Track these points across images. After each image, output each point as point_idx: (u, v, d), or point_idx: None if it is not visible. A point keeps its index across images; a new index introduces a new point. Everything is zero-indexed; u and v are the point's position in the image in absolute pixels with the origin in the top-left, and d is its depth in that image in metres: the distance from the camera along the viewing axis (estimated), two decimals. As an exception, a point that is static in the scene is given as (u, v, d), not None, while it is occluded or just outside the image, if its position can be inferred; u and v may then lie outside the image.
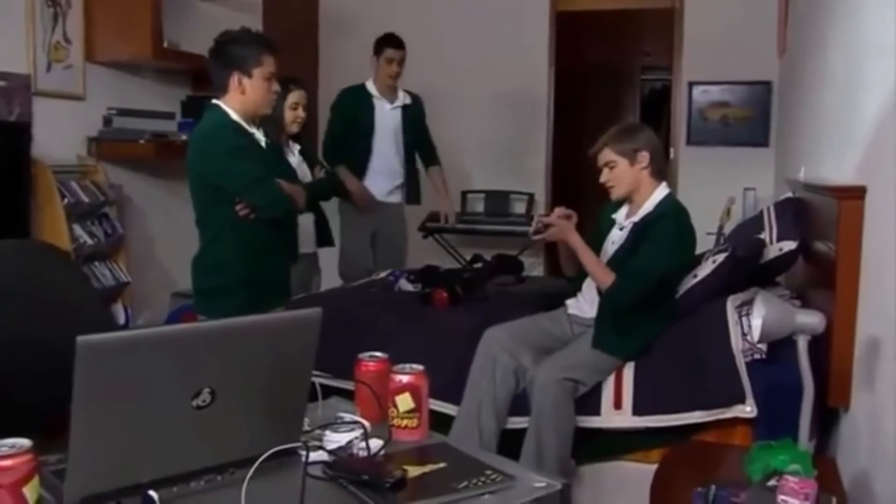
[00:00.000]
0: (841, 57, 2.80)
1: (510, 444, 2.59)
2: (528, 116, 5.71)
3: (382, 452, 1.40)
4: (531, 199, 5.52)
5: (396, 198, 4.35)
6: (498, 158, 5.70)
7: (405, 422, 1.50)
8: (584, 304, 2.83)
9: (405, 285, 3.69)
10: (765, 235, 3.03)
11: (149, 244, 4.47)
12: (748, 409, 2.51)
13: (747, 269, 2.92)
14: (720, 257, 2.89)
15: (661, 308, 2.74)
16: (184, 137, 4.11)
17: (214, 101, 2.72)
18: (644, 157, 2.69)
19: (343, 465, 1.31)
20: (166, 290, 4.45)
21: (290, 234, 2.97)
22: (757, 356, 2.60)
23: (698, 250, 2.90)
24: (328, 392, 1.68)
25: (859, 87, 2.43)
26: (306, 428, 1.43)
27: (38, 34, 3.74)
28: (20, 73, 3.64)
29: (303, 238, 3.56)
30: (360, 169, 4.18)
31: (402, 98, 4.28)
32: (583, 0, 6.05)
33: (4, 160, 3.36)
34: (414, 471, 1.31)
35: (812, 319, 2.05)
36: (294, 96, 3.51)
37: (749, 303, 2.65)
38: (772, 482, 1.69)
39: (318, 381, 1.51)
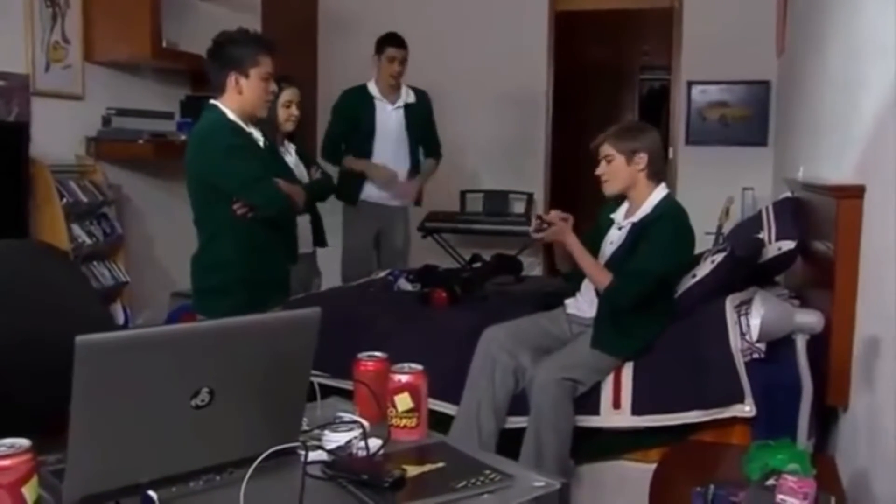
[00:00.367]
0: (840, 56, 2.80)
1: (509, 443, 2.59)
2: (527, 116, 5.71)
3: (381, 452, 1.40)
4: (530, 198, 5.52)
5: (399, 199, 4.32)
6: (497, 158, 5.70)
7: (404, 421, 1.50)
8: (583, 304, 2.83)
9: (404, 285, 3.69)
10: (763, 235, 3.03)
11: (148, 244, 4.47)
12: (747, 409, 2.52)
13: (746, 269, 2.92)
14: (719, 257, 2.89)
15: (660, 308, 2.74)
16: (183, 137, 4.11)
17: (212, 101, 2.73)
18: (641, 158, 2.69)
19: (342, 465, 1.31)
20: (165, 289, 4.44)
21: (289, 235, 2.97)
22: (756, 356, 2.60)
23: (697, 250, 2.90)
24: (327, 392, 1.68)
25: (858, 87, 2.44)
26: (305, 427, 1.43)
27: (37, 34, 3.74)
28: (19, 72, 3.64)
29: (301, 237, 3.57)
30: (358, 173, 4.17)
31: (406, 97, 4.25)
32: (582, 0, 6.05)
33: (3, 160, 3.36)
34: (413, 470, 1.31)
35: (811, 319, 2.05)
36: (287, 94, 3.50)
37: (748, 302, 2.65)
38: (770, 481, 1.69)
39: (316, 380, 1.51)
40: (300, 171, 3.55)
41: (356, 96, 4.21)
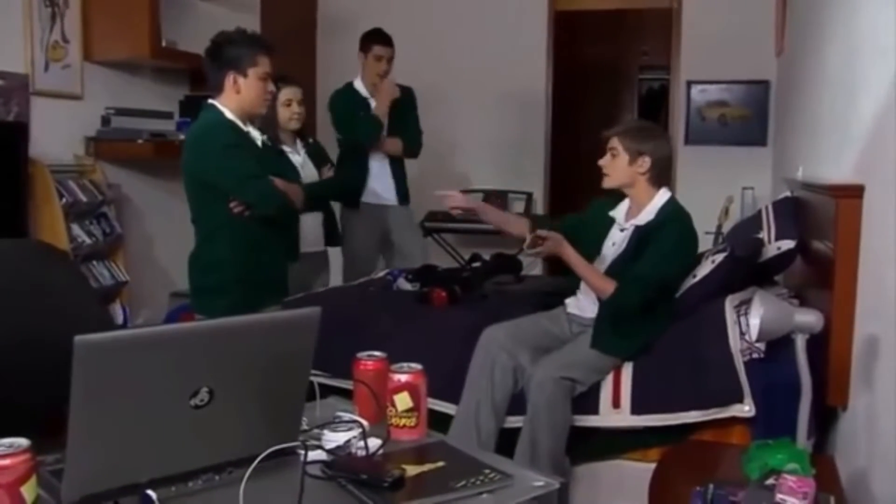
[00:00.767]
0: (839, 56, 2.80)
1: (508, 443, 2.59)
2: (527, 116, 5.71)
3: (381, 452, 1.40)
4: (529, 198, 5.51)
5: (395, 199, 4.23)
6: (496, 158, 5.69)
7: (403, 421, 1.50)
8: (585, 304, 2.83)
9: (403, 284, 3.69)
10: (763, 235, 3.03)
11: (147, 244, 4.47)
12: (746, 409, 2.51)
13: (746, 269, 2.92)
14: (719, 257, 2.89)
15: (660, 309, 2.74)
16: (182, 137, 4.10)
17: (210, 100, 2.74)
18: (644, 162, 2.69)
19: (341, 465, 1.31)
20: (165, 289, 4.44)
21: (288, 233, 2.98)
22: (755, 355, 2.60)
23: (697, 250, 2.90)
24: (326, 391, 1.68)
25: (857, 86, 2.44)
26: (305, 427, 1.43)
27: (36, 34, 3.74)
28: (18, 72, 3.64)
29: (310, 236, 3.59)
30: (362, 169, 4.11)
31: (394, 93, 4.14)
32: (581, 0, 6.05)
33: (2, 160, 3.35)
34: (412, 470, 1.31)
35: (810, 318, 2.05)
36: (285, 93, 3.51)
37: (747, 302, 2.65)
38: (770, 481, 1.68)
39: (316, 380, 1.51)
40: (308, 170, 3.57)
41: (346, 97, 4.12)
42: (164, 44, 4.15)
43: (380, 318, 3.12)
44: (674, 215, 2.70)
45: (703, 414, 2.56)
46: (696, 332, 2.73)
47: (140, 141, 4.07)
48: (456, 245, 5.46)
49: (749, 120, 5.27)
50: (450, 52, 5.54)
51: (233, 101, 2.69)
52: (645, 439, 2.64)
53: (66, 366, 1.07)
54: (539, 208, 5.55)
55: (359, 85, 4.15)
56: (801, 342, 2.05)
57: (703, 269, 2.89)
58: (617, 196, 2.83)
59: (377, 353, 1.64)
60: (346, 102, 4.10)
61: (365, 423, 1.45)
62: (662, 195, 2.75)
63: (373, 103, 4.07)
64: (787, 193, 3.34)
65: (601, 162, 2.76)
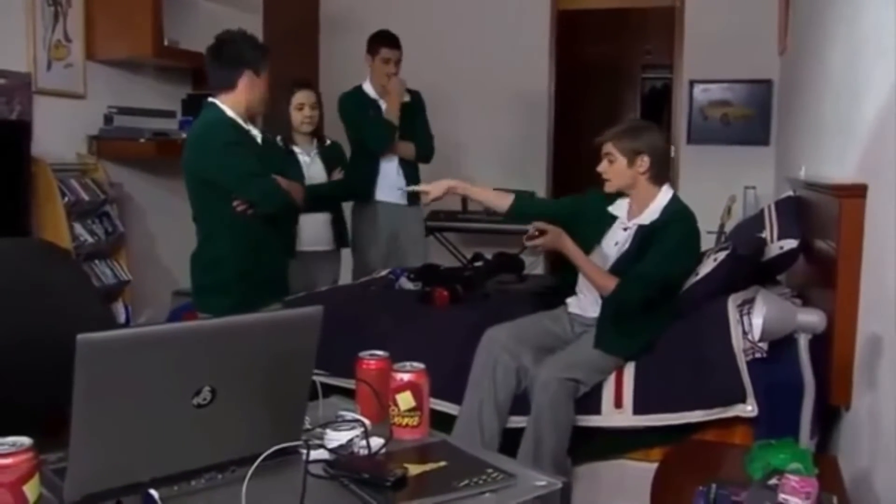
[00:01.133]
0: (842, 55, 2.80)
1: (511, 443, 2.59)
2: (529, 115, 5.70)
3: (383, 451, 1.39)
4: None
5: (405, 199, 4.19)
6: (498, 157, 5.69)
7: (406, 420, 1.50)
8: (586, 304, 2.83)
9: (405, 284, 3.68)
10: (766, 234, 3.03)
11: (149, 242, 4.47)
12: (749, 408, 2.51)
13: (748, 268, 2.92)
14: (721, 256, 2.89)
15: (663, 309, 2.74)
16: (184, 136, 4.11)
17: (211, 99, 2.75)
18: (644, 161, 2.69)
19: (344, 464, 1.31)
20: (167, 288, 4.45)
21: (287, 231, 3.02)
22: (758, 355, 2.60)
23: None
24: (329, 390, 1.68)
25: (860, 86, 2.43)
26: (307, 426, 1.43)
27: (39, 32, 3.74)
28: (21, 71, 3.64)
29: (316, 235, 3.63)
30: (370, 171, 4.09)
31: (403, 96, 4.16)
32: (584, -1, 6.05)
33: (5, 158, 3.36)
34: (415, 469, 1.31)
35: (813, 318, 2.05)
36: (298, 97, 3.61)
37: (750, 301, 2.65)
38: (773, 481, 1.68)
39: (318, 379, 1.51)
40: (315, 170, 3.62)
41: (357, 99, 4.10)
42: (166, 43, 4.16)
43: (382, 317, 3.12)
44: (678, 215, 2.70)
45: (706, 414, 2.55)
46: (699, 332, 2.73)
47: (142, 140, 4.08)
48: (458, 244, 5.46)
49: (752, 119, 5.26)
50: (452, 51, 5.53)
51: (242, 99, 2.73)
52: (647, 439, 2.64)
53: (67, 365, 1.07)
54: (541, 207, 5.54)
55: (367, 87, 4.12)
56: (803, 342, 2.05)
57: (706, 268, 2.89)
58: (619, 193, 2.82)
59: (379, 353, 1.63)
60: (356, 105, 4.08)
61: (367, 422, 1.44)
62: (665, 193, 2.74)
63: (383, 105, 4.06)
64: (790, 193, 3.33)
65: (600, 168, 2.75)
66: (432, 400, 1.59)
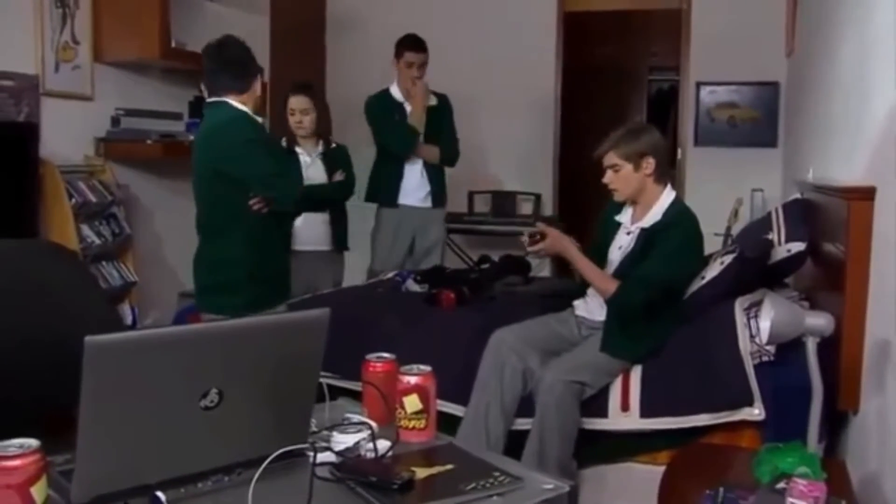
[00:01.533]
0: (850, 57, 2.78)
1: (515, 445, 2.58)
2: (536, 117, 5.70)
3: (390, 454, 1.39)
4: (538, 199, 5.51)
5: (430, 202, 4.23)
6: (505, 159, 5.70)
7: (413, 423, 1.50)
8: (593, 307, 2.82)
9: (412, 286, 3.68)
10: (773, 236, 3.02)
11: (156, 244, 4.48)
12: (756, 412, 2.50)
13: (755, 271, 2.91)
14: (728, 258, 2.88)
15: (669, 313, 2.73)
16: (191, 138, 4.11)
17: (218, 98, 2.77)
18: (650, 163, 2.68)
19: (350, 467, 1.31)
20: (173, 290, 4.45)
21: (287, 230, 3.13)
22: (765, 358, 2.59)
23: (706, 251, 2.89)
24: (336, 393, 1.68)
25: (868, 88, 2.42)
26: (314, 429, 1.42)
27: (47, 34, 3.75)
28: (28, 73, 3.65)
29: (314, 235, 3.66)
30: (394, 176, 4.12)
31: (428, 100, 4.15)
32: (590, 1, 6.04)
33: (13, 160, 3.37)
34: (422, 472, 1.31)
35: (821, 321, 2.04)
36: (290, 102, 3.74)
37: (757, 304, 2.64)
38: (781, 485, 1.68)
39: (325, 381, 1.51)
40: (314, 172, 3.66)
41: (383, 101, 4.13)
42: (173, 45, 4.16)
43: (388, 319, 3.12)
44: (679, 217, 2.69)
45: (713, 417, 2.55)
46: (706, 335, 2.72)
47: (149, 141, 4.09)
48: (465, 246, 5.45)
49: (759, 121, 5.25)
50: (459, 53, 5.52)
51: (252, 101, 2.81)
52: (654, 442, 2.63)
53: (69, 366, 1.07)
54: (548, 209, 5.54)
55: (394, 90, 4.17)
56: (811, 345, 2.04)
57: (712, 271, 2.88)
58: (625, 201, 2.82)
59: (386, 355, 1.63)
60: (382, 108, 4.12)
61: (374, 424, 1.44)
62: (668, 195, 2.73)
63: (408, 108, 4.10)
64: (798, 195, 3.32)
65: (606, 180, 2.72)
66: (439, 402, 1.59)
